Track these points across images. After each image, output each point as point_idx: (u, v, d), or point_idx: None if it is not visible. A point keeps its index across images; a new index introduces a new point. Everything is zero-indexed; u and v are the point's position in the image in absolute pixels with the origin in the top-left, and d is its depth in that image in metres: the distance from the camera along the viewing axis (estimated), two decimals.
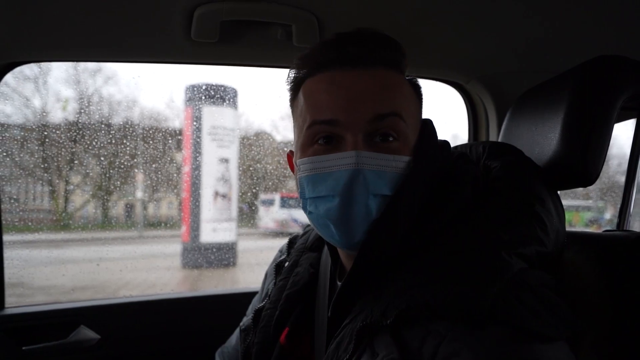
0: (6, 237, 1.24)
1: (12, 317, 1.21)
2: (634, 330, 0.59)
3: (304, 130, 0.65)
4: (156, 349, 1.29)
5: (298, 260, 0.83)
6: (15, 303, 1.28)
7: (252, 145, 6.16)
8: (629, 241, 0.65)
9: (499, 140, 0.91)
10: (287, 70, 1.30)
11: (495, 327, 0.48)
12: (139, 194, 5.13)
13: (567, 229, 0.70)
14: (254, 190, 5.72)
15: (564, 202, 0.72)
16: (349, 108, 0.62)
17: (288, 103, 0.75)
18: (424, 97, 0.74)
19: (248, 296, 1.04)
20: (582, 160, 0.70)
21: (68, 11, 0.94)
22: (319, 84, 0.66)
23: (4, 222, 1.23)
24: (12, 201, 3.21)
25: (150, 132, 3.97)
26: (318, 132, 0.64)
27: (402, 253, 0.60)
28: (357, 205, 0.61)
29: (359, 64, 0.63)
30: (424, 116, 0.73)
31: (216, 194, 5.49)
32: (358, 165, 0.60)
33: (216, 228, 5.52)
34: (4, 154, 2.56)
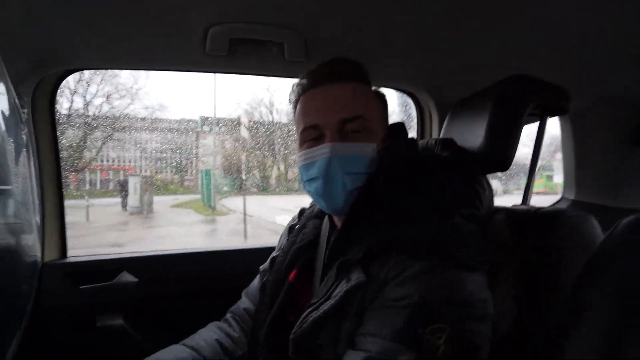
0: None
1: (72, 264, 1.18)
2: (532, 271, 0.63)
3: (300, 133, 0.69)
4: (182, 291, 1.25)
5: (305, 224, 0.83)
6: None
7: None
8: (531, 214, 0.68)
9: (441, 136, 0.89)
10: (281, 78, 1.24)
11: (436, 258, 0.52)
12: None
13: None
14: None
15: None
16: (324, 114, 0.65)
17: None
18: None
19: (261, 251, 1.01)
20: (501, 152, 0.70)
21: (110, 27, 0.88)
22: (307, 100, 0.69)
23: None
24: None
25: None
26: (307, 133, 0.67)
27: (375, 217, 0.62)
28: (334, 181, 0.63)
29: (332, 81, 0.66)
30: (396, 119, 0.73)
31: None
32: (332, 153, 0.62)
33: None
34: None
